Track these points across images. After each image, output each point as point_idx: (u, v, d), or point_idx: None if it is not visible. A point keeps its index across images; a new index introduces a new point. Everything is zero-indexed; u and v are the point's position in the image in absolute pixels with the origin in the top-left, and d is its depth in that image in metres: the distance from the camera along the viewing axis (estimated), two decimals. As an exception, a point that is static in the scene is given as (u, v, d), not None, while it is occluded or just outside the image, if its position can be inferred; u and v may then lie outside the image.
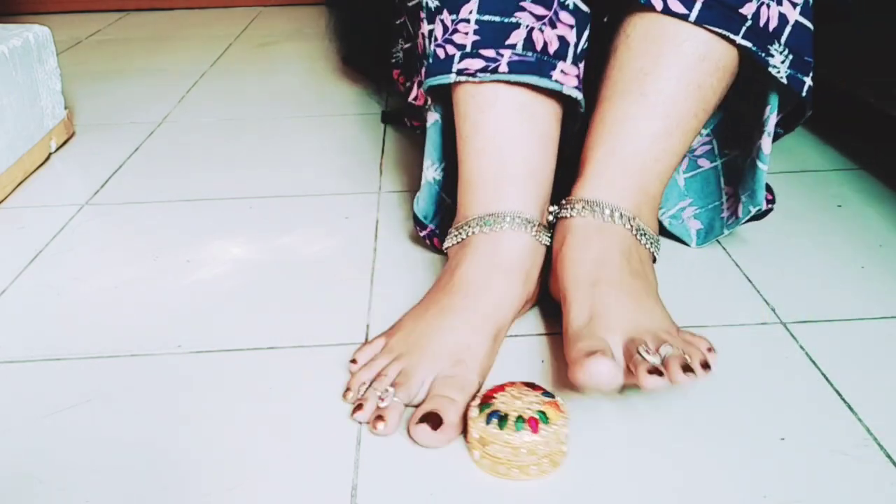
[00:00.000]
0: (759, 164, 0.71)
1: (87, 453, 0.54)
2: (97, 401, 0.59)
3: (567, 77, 0.65)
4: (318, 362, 0.63)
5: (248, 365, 0.63)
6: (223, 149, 1.11)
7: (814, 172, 0.96)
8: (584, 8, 0.66)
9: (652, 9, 0.63)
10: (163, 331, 0.68)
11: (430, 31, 0.71)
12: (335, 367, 0.62)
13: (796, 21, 0.64)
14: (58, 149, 1.11)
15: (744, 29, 0.62)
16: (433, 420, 0.53)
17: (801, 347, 0.63)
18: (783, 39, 0.64)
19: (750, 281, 0.73)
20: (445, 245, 0.68)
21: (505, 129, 0.65)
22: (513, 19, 0.64)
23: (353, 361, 0.60)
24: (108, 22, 2.03)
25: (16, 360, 0.65)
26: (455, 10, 0.67)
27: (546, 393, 0.53)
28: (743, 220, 0.74)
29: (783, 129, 0.77)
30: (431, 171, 0.75)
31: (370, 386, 0.57)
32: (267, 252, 0.81)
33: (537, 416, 0.51)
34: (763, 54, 0.63)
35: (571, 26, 0.65)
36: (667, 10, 0.62)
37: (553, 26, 0.64)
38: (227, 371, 0.62)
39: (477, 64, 0.65)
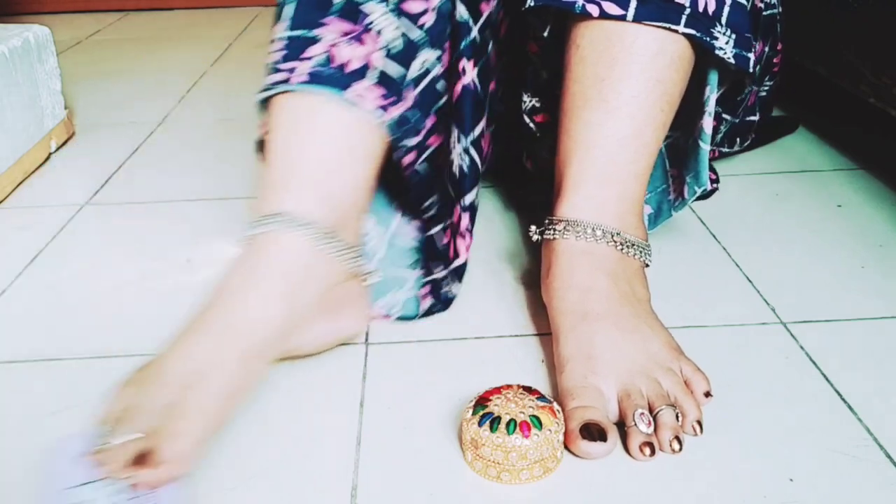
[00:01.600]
0: (701, 144, 0.71)
1: (87, 453, 0.54)
2: (97, 401, 0.59)
3: (364, 99, 0.61)
4: (317, 362, 0.63)
5: (248, 365, 0.63)
6: (223, 149, 1.11)
7: (814, 172, 0.96)
8: (409, 35, 0.63)
9: (589, 16, 0.63)
10: (163, 331, 0.68)
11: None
12: (335, 367, 0.62)
13: (733, 0, 0.64)
14: (58, 149, 1.11)
15: (684, 17, 0.62)
16: (145, 461, 0.46)
17: (801, 347, 0.63)
18: (724, 20, 0.64)
19: (750, 281, 0.73)
20: None
21: (289, 135, 0.60)
22: (314, 34, 0.62)
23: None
24: (108, 22, 2.03)
25: (16, 360, 0.65)
26: (275, 34, 0.65)
27: (542, 397, 0.53)
28: (689, 201, 0.74)
29: (722, 108, 0.76)
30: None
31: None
32: (267, 252, 0.81)
33: (530, 421, 0.50)
34: (708, 38, 0.63)
35: (380, 49, 0.62)
36: (603, 15, 0.62)
37: (358, 43, 0.61)
38: (227, 371, 0.62)
39: (276, 77, 0.62)
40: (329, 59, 0.61)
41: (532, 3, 0.65)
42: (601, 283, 0.60)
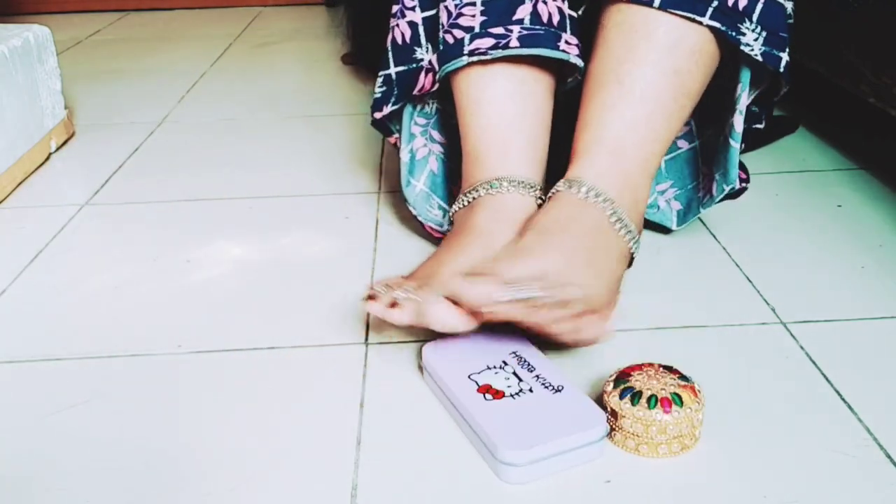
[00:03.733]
0: (732, 142, 0.71)
1: (88, 453, 0.54)
2: (97, 401, 0.59)
3: (571, 47, 0.69)
4: (317, 362, 0.63)
5: (248, 365, 0.63)
6: (223, 149, 1.11)
7: (814, 172, 0.96)
8: None
9: None
10: (163, 331, 0.68)
11: (426, 19, 0.75)
12: (335, 367, 0.62)
13: None
14: (58, 149, 1.11)
15: (710, 10, 0.63)
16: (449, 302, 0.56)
17: (801, 347, 0.63)
18: (755, 17, 0.64)
19: (750, 281, 0.73)
20: (453, 210, 0.71)
21: (506, 105, 0.70)
22: None
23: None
24: (108, 22, 2.03)
25: (16, 360, 0.65)
26: None
27: (683, 377, 0.53)
28: (717, 199, 0.75)
29: (759, 107, 0.77)
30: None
31: (387, 287, 0.60)
32: (267, 252, 0.81)
33: (671, 398, 0.51)
34: (734, 33, 0.64)
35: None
36: None
37: None
38: (227, 371, 0.62)
39: (487, 42, 0.68)
40: (538, 19, 0.67)
41: None
42: (576, 227, 0.60)
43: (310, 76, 1.48)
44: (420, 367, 0.60)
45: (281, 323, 0.68)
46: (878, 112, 0.87)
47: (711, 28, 0.64)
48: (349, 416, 0.57)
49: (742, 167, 0.75)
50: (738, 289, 0.72)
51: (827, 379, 0.59)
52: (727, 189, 0.73)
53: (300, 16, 2.06)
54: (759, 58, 0.65)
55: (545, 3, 0.69)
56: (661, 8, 0.63)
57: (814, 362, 0.61)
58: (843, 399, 0.57)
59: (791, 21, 0.85)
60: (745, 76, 0.69)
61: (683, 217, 0.79)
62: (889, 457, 0.52)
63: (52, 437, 0.55)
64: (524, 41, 0.67)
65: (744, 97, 0.69)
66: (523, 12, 0.68)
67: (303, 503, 0.50)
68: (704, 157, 0.79)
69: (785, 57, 0.66)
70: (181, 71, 1.52)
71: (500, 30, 0.68)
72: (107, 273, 0.78)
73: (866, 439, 0.53)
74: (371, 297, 0.59)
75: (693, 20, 0.63)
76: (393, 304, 0.58)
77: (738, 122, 0.70)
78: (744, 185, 0.76)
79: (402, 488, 0.50)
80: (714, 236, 0.81)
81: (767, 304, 0.69)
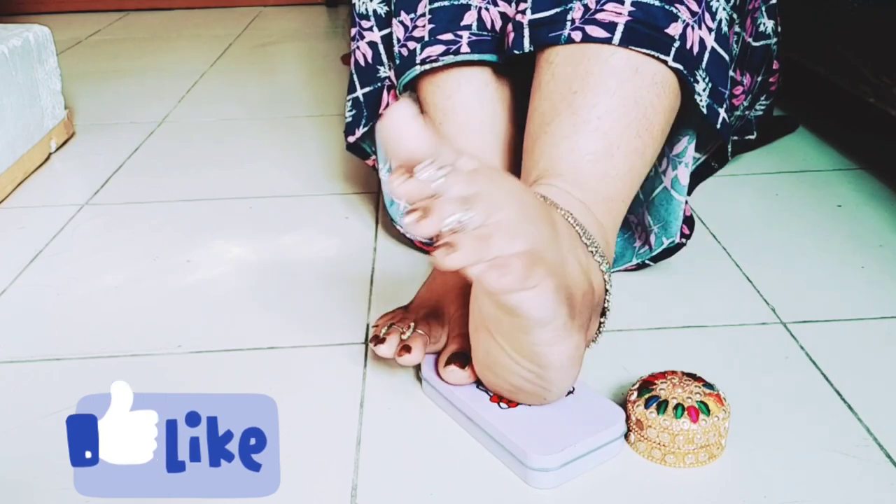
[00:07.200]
0: (675, 194, 0.68)
1: (87, 453, 0.54)
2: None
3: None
4: (317, 362, 0.63)
5: (248, 365, 0.63)
6: (223, 149, 1.11)
7: (814, 172, 0.96)
8: None
9: (571, 42, 0.59)
10: (163, 331, 0.68)
11: (384, 37, 0.75)
12: (335, 368, 0.62)
13: (712, 48, 0.61)
14: (58, 149, 1.11)
15: (673, 50, 0.59)
16: (459, 360, 0.55)
17: (801, 347, 0.63)
18: (703, 65, 0.61)
19: (750, 281, 0.73)
20: None
21: (474, 110, 0.68)
22: (462, 1, 0.66)
23: (376, 326, 0.60)
24: (108, 22, 2.03)
25: (16, 360, 0.65)
26: (412, 8, 0.69)
27: (708, 384, 0.53)
28: (656, 252, 0.70)
29: (716, 161, 0.76)
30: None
31: (392, 326, 0.58)
32: (267, 252, 0.81)
33: (698, 406, 0.51)
34: (691, 79, 0.59)
35: (509, 2, 0.67)
36: (587, 39, 0.58)
37: (495, 4, 0.67)
38: (227, 371, 0.62)
39: (438, 49, 0.66)
40: (484, 25, 0.66)
41: (528, 49, 0.62)
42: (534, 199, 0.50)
43: (310, 76, 1.48)
44: (419, 378, 0.60)
45: (281, 323, 0.68)
46: (878, 112, 0.87)
47: (674, 70, 0.59)
48: (349, 416, 0.57)
49: (688, 221, 0.71)
50: (738, 289, 0.72)
51: (827, 379, 0.59)
52: (666, 242, 0.69)
53: (300, 16, 2.06)
54: (704, 110, 0.61)
55: (487, 10, 0.67)
56: (620, 45, 0.57)
57: (814, 362, 0.61)
58: (843, 399, 0.57)
59: (775, 41, 0.84)
60: (691, 129, 0.66)
61: (615, 262, 0.72)
62: (889, 457, 0.52)
63: (52, 437, 0.55)
64: (474, 47, 0.66)
65: (690, 149, 0.66)
66: (470, 18, 0.67)
67: (303, 503, 0.50)
68: (631, 206, 0.72)
69: (722, 113, 0.63)
70: (181, 71, 1.52)
71: (449, 36, 0.67)
72: (107, 273, 0.78)
73: (866, 439, 0.53)
74: (379, 341, 0.57)
75: (657, 59, 0.58)
76: (404, 348, 0.56)
77: (684, 174, 0.67)
78: (683, 240, 0.70)
79: (402, 488, 0.50)
80: (714, 236, 0.81)
81: (767, 304, 0.69)
